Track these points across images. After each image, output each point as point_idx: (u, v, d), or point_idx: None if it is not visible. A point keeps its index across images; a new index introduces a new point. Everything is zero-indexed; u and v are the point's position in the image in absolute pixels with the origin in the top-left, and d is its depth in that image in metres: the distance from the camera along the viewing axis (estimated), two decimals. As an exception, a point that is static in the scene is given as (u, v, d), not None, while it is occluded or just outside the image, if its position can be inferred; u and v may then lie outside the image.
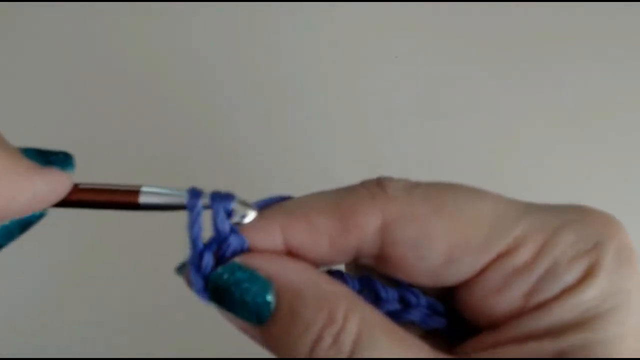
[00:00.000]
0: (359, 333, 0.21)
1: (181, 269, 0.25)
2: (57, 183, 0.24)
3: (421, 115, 0.55)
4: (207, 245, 0.24)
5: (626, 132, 0.55)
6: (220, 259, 0.24)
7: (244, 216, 0.24)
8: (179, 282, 0.44)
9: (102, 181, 0.26)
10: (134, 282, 0.49)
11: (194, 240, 0.24)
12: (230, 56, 0.57)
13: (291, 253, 0.24)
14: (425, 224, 0.23)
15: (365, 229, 0.23)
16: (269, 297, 0.22)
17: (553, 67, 0.57)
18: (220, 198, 0.24)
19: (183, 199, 0.24)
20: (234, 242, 0.23)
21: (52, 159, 0.24)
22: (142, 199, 0.25)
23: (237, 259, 0.23)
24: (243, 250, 0.24)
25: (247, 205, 0.24)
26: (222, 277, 0.23)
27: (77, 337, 0.47)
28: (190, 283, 0.24)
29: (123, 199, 0.25)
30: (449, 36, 0.58)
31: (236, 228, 0.24)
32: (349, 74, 0.57)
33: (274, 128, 0.54)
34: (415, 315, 0.25)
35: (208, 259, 0.23)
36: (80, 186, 0.25)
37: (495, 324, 0.24)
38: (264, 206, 0.25)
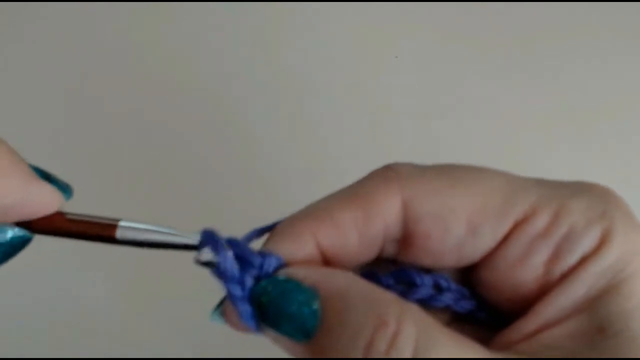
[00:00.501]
0: (419, 335, 0.21)
1: (218, 308, 0.25)
2: (50, 197, 0.24)
3: (421, 115, 0.55)
4: (243, 271, 0.23)
5: (626, 132, 0.55)
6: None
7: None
8: (179, 282, 0.43)
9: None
10: (132, 281, 0.49)
11: (226, 271, 0.23)
12: (233, 56, 0.57)
13: (326, 259, 0.24)
14: (444, 196, 0.24)
15: (388, 211, 0.24)
16: (316, 306, 0.21)
17: (554, 67, 0.57)
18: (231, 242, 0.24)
19: (162, 236, 0.24)
20: (271, 262, 0.23)
21: (51, 179, 0.24)
22: (120, 234, 0.24)
23: (281, 272, 0.23)
24: (281, 266, 0.23)
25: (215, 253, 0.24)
26: (266, 290, 0.22)
27: (76, 337, 0.47)
28: (234, 317, 0.23)
29: (100, 232, 0.25)
30: (449, 36, 0.58)
31: (266, 250, 0.24)
32: (348, 74, 0.57)
33: (273, 128, 0.54)
34: (449, 298, 0.25)
35: (249, 282, 0.23)
36: (66, 216, 0.25)
37: (521, 301, 0.24)
38: (253, 237, 0.25)
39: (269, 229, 0.25)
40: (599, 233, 0.23)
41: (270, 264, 0.23)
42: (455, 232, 0.24)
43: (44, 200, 0.24)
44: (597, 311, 0.22)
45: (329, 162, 0.53)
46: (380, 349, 0.20)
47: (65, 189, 0.25)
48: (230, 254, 0.23)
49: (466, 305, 0.26)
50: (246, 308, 0.23)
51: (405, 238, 0.24)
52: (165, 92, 0.55)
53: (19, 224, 0.24)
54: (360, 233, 0.24)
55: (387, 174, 0.24)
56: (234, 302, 0.23)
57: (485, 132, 0.55)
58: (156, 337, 0.47)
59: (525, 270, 0.24)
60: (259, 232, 0.25)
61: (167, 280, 0.48)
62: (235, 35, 0.58)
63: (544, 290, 0.24)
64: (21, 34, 0.57)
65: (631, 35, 0.58)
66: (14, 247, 0.24)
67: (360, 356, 0.21)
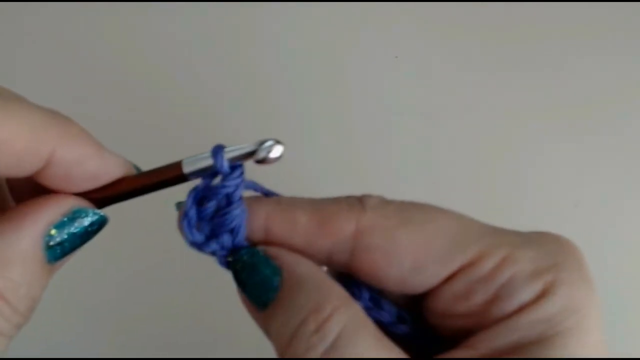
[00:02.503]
0: (345, 327, 0.23)
1: (181, 205, 0.27)
2: (121, 163, 0.26)
3: (422, 114, 0.55)
4: (211, 194, 0.26)
5: (622, 130, 0.55)
6: (218, 213, 0.26)
7: (269, 151, 0.26)
8: (175, 281, 0.43)
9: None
10: (131, 281, 0.49)
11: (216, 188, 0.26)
12: (234, 56, 0.57)
13: (269, 242, 0.26)
14: (394, 234, 0.25)
15: (339, 234, 0.26)
16: (276, 282, 0.25)
17: (553, 66, 0.57)
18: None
19: (225, 155, 0.26)
20: (238, 207, 0.26)
21: None
22: (186, 169, 0.26)
23: (259, 247, 0.26)
24: (238, 220, 0.26)
25: (272, 142, 0.26)
26: (242, 257, 0.26)
27: (75, 337, 0.47)
28: (183, 211, 0.26)
29: (169, 175, 0.26)
30: (450, 36, 0.58)
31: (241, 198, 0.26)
32: (348, 74, 0.57)
33: (272, 126, 0.54)
34: (384, 316, 0.27)
35: (211, 206, 0.26)
36: (127, 178, 0.27)
37: (461, 333, 0.25)
38: (254, 188, 0.28)
39: (266, 193, 0.28)
40: (541, 285, 0.24)
41: (237, 207, 0.26)
42: (399, 267, 0.25)
43: (117, 166, 0.26)
44: (524, 356, 0.23)
45: (328, 160, 0.53)
46: (309, 329, 0.23)
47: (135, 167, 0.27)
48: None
49: (399, 329, 0.27)
50: (194, 215, 0.26)
51: (353, 263, 0.26)
52: (157, 91, 0.55)
53: (97, 197, 0.26)
54: (308, 240, 0.26)
55: (354, 202, 0.26)
56: (187, 202, 0.26)
57: (484, 131, 0.55)
58: (156, 337, 0.48)
59: (463, 307, 0.25)
60: (260, 190, 0.28)
61: (166, 282, 0.48)
62: (235, 35, 0.58)
63: (481, 325, 0.25)
64: (21, 34, 0.57)
65: (626, 33, 0.58)
66: (93, 228, 0.26)
67: (290, 332, 0.23)
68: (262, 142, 0.26)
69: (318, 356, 0.23)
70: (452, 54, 0.58)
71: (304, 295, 0.24)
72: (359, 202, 0.26)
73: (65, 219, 0.25)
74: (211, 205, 0.26)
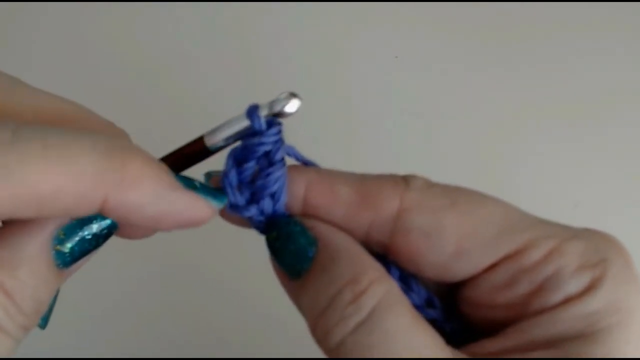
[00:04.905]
0: (381, 301, 0.22)
1: (210, 176, 0.27)
2: (194, 207, 0.23)
3: (422, 114, 0.55)
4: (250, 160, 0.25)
5: (622, 130, 0.55)
6: (258, 176, 0.25)
7: (284, 105, 0.25)
8: (176, 282, 0.44)
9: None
10: (132, 282, 0.49)
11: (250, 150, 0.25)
12: (234, 56, 0.57)
13: (306, 212, 0.26)
14: (438, 216, 0.24)
15: (382, 210, 0.25)
16: (312, 252, 0.24)
17: (553, 66, 0.57)
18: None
19: (244, 121, 0.25)
20: (280, 170, 0.25)
21: (200, 188, 0.25)
22: (208, 141, 0.25)
23: (297, 217, 0.26)
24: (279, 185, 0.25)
25: (289, 96, 0.26)
26: (278, 225, 0.25)
27: (75, 337, 0.48)
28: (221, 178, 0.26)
29: (193, 150, 0.26)
30: (450, 36, 0.58)
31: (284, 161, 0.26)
32: (349, 74, 0.57)
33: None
34: (413, 298, 0.25)
35: (250, 167, 0.25)
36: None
37: (496, 325, 0.24)
38: (294, 155, 0.27)
39: (305, 162, 0.27)
40: (588, 279, 0.23)
41: (278, 171, 0.25)
42: (441, 252, 0.24)
43: (185, 207, 0.23)
44: (567, 350, 0.22)
45: (329, 160, 0.53)
46: (345, 299, 0.23)
47: (216, 195, 0.25)
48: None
49: (428, 314, 0.26)
50: (233, 174, 0.25)
51: (392, 244, 0.25)
52: (155, 91, 0.55)
53: None
54: (348, 212, 0.25)
55: (399, 181, 0.25)
56: (228, 162, 0.25)
57: (485, 131, 0.55)
58: (156, 337, 0.48)
59: (504, 297, 0.24)
60: (299, 158, 0.28)
61: (167, 283, 0.48)
62: (237, 34, 0.58)
63: (520, 317, 0.24)
64: (20, 34, 0.57)
65: (631, 35, 0.58)
66: (101, 236, 0.25)
67: (325, 302, 0.23)
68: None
69: (351, 327, 0.22)
70: (453, 54, 0.58)
71: (340, 267, 0.23)
72: (403, 180, 0.25)
73: (75, 222, 0.24)
74: (250, 166, 0.25)
